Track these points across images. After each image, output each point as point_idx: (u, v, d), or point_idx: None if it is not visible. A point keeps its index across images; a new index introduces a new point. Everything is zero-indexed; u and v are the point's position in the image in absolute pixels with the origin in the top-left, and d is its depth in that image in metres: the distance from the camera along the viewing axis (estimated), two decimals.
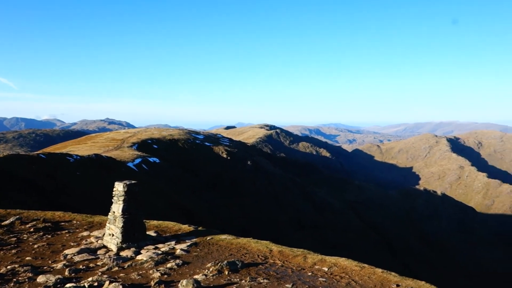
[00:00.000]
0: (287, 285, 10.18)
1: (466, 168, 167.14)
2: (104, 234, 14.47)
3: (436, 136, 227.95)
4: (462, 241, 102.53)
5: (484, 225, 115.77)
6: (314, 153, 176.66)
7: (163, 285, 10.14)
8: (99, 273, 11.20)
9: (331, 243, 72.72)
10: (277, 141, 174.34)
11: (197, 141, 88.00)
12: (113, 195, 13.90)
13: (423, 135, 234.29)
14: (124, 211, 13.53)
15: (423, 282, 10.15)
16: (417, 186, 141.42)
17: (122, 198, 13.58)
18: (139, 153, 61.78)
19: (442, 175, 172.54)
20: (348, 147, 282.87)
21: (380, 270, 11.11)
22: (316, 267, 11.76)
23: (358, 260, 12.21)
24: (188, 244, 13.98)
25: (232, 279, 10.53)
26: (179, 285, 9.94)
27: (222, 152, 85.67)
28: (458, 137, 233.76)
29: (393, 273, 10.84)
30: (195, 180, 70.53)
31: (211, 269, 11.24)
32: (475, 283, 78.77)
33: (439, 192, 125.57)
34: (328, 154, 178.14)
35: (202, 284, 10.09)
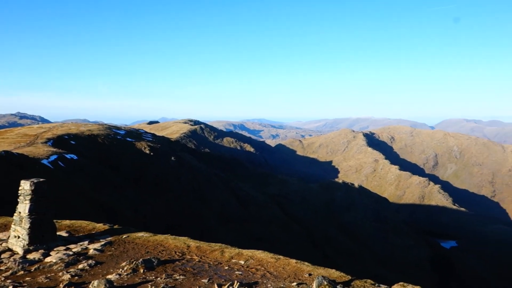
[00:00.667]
0: (203, 280, 10.18)
1: (381, 161, 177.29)
2: (9, 236, 13.55)
3: (354, 131, 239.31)
4: (377, 230, 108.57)
5: (397, 214, 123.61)
6: (239, 148, 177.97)
7: (73, 287, 9.72)
8: (2, 278, 10.47)
9: (256, 236, 73.83)
10: (202, 136, 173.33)
11: (118, 137, 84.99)
12: (19, 194, 13.05)
13: (341, 130, 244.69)
14: (31, 211, 12.73)
15: (333, 270, 10.65)
16: (336, 179, 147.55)
17: (29, 197, 12.77)
18: (54, 149, 58.34)
19: (359, 168, 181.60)
20: (272, 142, 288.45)
21: (294, 261, 11.48)
22: (233, 260, 11.89)
23: (280, 252, 12.51)
24: (102, 243, 13.47)
25: (147, 277, 10.33)
26: (90, 286, 9.57)
27: (145, 148, 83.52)
28: (373, 132, 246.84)
29: (306, 263, 11.26)
30: (117, 177, 68.16)
31: (125, 268, 10.94)
32: (389, 269, 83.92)
33: (356, 184, 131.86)
34: (252, 149, 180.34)
35: (115, 284, 9.78)
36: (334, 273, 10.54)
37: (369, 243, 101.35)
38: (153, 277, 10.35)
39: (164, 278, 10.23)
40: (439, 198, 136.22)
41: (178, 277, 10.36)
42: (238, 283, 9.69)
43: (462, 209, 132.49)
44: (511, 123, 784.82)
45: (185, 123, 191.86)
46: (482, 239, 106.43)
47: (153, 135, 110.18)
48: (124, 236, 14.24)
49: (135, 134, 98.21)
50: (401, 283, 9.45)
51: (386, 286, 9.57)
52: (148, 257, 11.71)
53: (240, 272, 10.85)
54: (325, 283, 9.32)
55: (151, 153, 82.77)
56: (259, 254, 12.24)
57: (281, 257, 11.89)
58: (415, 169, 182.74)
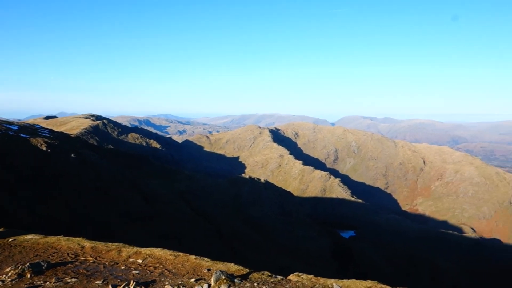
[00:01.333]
0: (97, 282, 9.67)
1: (285, 156, 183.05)
2: None
3: (260, 127, 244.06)
4: (282, 223, 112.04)
5: (301, 207, 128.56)
6: (144, 144, 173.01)
7: None
8: None
9: (163, 234, 72.33)
10: (104, 132, 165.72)
11: (10, 132, 77.97)
12: None
13: (248, 127, 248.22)
14: None
15: (232, 264, 10.76)
16: (243, 175, 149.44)
17: None
18: None
19: (265, 163, 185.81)
20: (179, 138, 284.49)
21: (193, 257, 11.39)
22: (131, 260, 11.46)
23: (188, 249, 12.32)
24: None
25: (34, 282, 9.55)
26: None
27: (41, 145, 77.60)
28: (278, 128, 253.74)
29: (205, 259, 11.23)
30: (10, 176, 62.68)
31: (10, 274, 10.02)
32: (294, 259, 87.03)
33: (262, 179, 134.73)
34: (158, 145, 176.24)
35: None
36: (232, 267, 10.65)
37: (275, 235, 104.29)
38: (41, 282, 9.60)
39: (54, 282, 9.55)
40: (339, 191, 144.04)
41: (69, 280, 9.73)
42: (134, 283, 9.37)
43: (360, 200, 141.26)
44: (402, 120, 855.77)
45: (86, 118, 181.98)
46: (377, 228, 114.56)
47: (51, 130, 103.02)
48: (10, 240, 13.08)
49: (30, 129, 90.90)
50: (297, 273, 9.82)
51: (282, 277, 9.88)
52: (37, 260, 10.86)
53: (137, 271, 10.49)
54: (223, 277, 9.39)
55: (48, 150, 77.27)
56: (158, 251, 11.95)
57: (180, 254, 11.73)
58: (317, 164, 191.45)
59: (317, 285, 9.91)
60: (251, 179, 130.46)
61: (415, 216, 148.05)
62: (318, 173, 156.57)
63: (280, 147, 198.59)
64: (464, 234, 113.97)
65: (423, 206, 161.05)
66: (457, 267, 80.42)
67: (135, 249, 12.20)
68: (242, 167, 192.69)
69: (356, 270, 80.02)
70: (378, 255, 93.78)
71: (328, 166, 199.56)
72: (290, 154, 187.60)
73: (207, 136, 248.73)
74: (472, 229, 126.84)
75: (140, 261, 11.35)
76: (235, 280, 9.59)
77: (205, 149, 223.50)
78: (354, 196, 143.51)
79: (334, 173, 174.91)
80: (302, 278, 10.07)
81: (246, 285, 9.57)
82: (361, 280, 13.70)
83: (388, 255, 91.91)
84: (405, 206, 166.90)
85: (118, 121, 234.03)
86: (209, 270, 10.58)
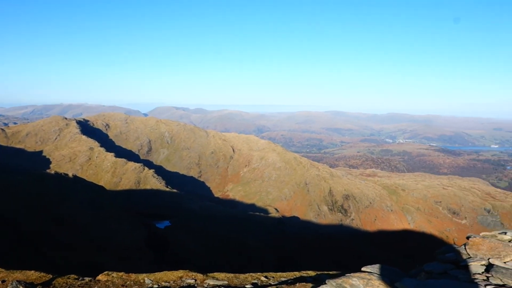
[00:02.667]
0: None
1: (96, 149, 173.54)
2: None
3: (66, 118, 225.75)
4: (95, 218, 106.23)
5: (114, 201, 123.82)
6: None
7: None
8: None
9: None
10: None
11: None
12: None
13: (52, 118, 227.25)
14: None
15: (32, 272, 9.74)
16: (48, 170, 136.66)
17: None
18: None
19: (73, 157, 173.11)
20: None
21: None
22: None
23: None
24: None
25: None
26: None
27: None
28: (87, 119, 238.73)
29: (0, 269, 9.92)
30: None
31: None
32: (108, 255, 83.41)
33: (70, 174, 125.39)
34: None
35: None
36: (33, 275, 9.65)
37: (87, 232, 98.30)
38: None
39: None
40: (154, 182, 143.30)
41: None
42: None
43: (174, 190, 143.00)
44: (213, 111, 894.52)
45: None
46: (192, 216, 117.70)
47: None
48: None
49: None
50: (106, 272, 9.38)
51: (90, 278, 9.35)
52: None
53: None
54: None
55: None
56: None
57: None
58: (130, 156, 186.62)
59: (128, 282, 9.65)
60: (57, 174, 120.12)
61: (227, 201, 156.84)
62: (132, 165, 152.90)
63: (90, 139, 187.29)
64: (269, 215, 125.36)
65: (234, 192, 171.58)
66: (263, 244, 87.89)
67: None
68: (47, 162, 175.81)
69: (173, 258, 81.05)
70: (194, 241, 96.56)
71: (142, 157, 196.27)
72: (101, 146, 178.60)
73: (2, 129, 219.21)
74: (276, 209, 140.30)
75: None
76: None
77: (0, 143, 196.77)
78: (169, 186, 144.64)
79: (148, 164, 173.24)
80: (113, 276, 9.67)
81: None
82: (173, 271, 13.94)
83: (203, 240, 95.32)
84: (217, 193, 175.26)
85: None
86: (3, 281, 9.37)
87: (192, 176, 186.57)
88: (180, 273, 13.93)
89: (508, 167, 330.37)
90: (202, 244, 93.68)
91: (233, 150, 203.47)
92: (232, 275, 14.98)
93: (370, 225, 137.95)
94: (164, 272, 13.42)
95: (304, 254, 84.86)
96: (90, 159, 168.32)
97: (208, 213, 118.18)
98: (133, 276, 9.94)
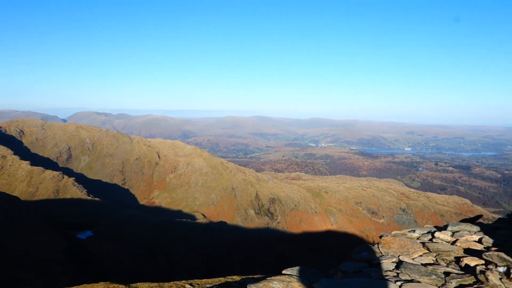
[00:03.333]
0: None
1: (9, 157, 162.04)
2: None
3: None
4: (9, 232, 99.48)
5: (30, 212, 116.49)
6: None
7: None
8: None
9: None
10: None
11: None
12: None
13: None
14: None
15: None
16: None
17: None
18: None
19: None
20: None
21: None
22: None
23: None
24: None
25: None
26: None
27: None
28: None
29: None
30: None
31: None
32: (24, 270, 78.39)
33: None
34: None
35: None
36: None
37: (2, 246, 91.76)
38: None
39: None
40: (74, 191, 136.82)
41: None
42: None
43: (97, 199, 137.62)
44: (137, 116, 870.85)
45: None
46: (116, 225, 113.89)
47: None
48: None
49: None
50: None
51: None
52: None
53: None
54: None
55: None
56: None
57: None
58: (48, 164, 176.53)
59: None
60: None
61: (153, 209, 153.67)
62: (50, 173, 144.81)
63: (2, 146, 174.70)
64: (197, 221, 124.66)
65: (160, 198, 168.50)
66: (191, 251, 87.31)
67: None
68: None
69: (96, 270, 77.96)
70: (118, 251, 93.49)
71: (61, 165, 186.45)
72: (15, 154, 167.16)
73: None
74: (203, 215, 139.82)
75: None
76: None
77: None
78: (91, 195, 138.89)
79: (68, 172, 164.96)
80: None
81: None
82: (93, 284, 13.62)
83: (128, 250, 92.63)
84: (142, 200, 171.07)
85: None
86: None
87: (115, 184, 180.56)
88: (101, 285, 13.74)
89: (420, 168, 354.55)
90: (127, 253, 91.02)
91: (159, 156, 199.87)
92: (156, 284, 14.92)
93: (296, 227, 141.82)
94: (84, 285, 13.14)
95: (232, 259, 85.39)
96: (2, 168, 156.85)
97: (133, 222, 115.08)
98: None
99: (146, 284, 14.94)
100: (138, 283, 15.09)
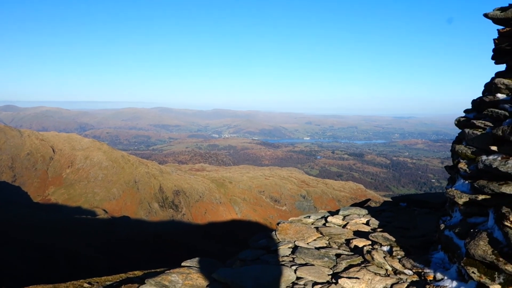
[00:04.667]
0: None
1: None
2: None
3: None
4: None
5: None
6: None
7: None
8: None
9: None
10: None
11: None
12: None
13: None
14: None
15: None
16: None
17: None
18: None
19: None
20: None
21: None
22: None
23: None
24: None
25: None
26: None
27: None
28: None
29: None
30: None
31: None
32: None
33: None
34: None
35: None
36: None
37: None
38: None
39: None
40: None
41: None
42: None
43: None
44: (26, 108, 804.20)
45: None
46: (7, 226, 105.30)
47: None
48: None
49: None
50: None
51: None
52: None
53: None
54: None
55: None
56: None
57: None
58: None
59: None
60: None
61: (49, 206, 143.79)
62: None
63: None
64: (98, 217, 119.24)
65: (56, 195, 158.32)
66: (93, 249, 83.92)
67: None
68: None
69: None
70: (10, 254, 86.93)
71: None
72: None
73: None
74: (104, 210, 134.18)
75: None
76: None
77: None
78: None
79: None
80: None
81: None
82: None
83: (21, 253, 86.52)
84: (37, 198, 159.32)
85: None
86: None
87: (4, 181, 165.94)
88: None
89: (318, 157, 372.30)
90: (19, 257, 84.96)
91: (53, 150, 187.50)
92: (51, 286, 14.49)
93: (201, 218, 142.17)
94: None
95: (136, 254, 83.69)
96: None
97: (27, 221, 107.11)
98: None
99: (40, 287, 14.39)
100: (30, 286, 14.52)
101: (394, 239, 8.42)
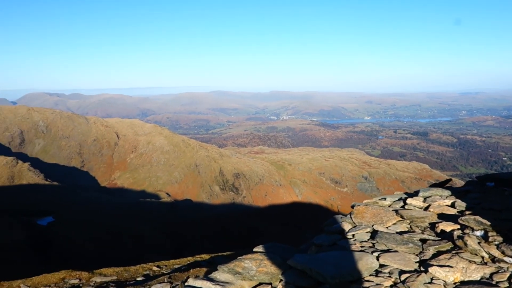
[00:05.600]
0: None
1: None
2: None
3: None
4: None
5: None
6: None
7: None
8: None
9: None
10: None
11: None
12: None
13: None
14: None
15: None
16: None
17: None
18: None
19: None
20: None
21: None
22: None
23: None
24: None
25: None
26: None
27: None
28: None
29: None
30: None
31: None
32: None
33: None
34: None
35: None
36: None
37: None
38: None
39: None
40: (31, 176, 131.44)
41: None
42: None
43: (55, 183, 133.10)
44: (91, 95, 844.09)
45: None
46: (77, 209, 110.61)
47: None
48: None
49: None
50: None
51: None
52: None
53: None
54: None
55: None
56: None
57: None
58: (0, 149, 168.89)
59: None
60: None
61: (115, 190, 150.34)
62: (3, 159, 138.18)
63: None
64: (161, 200, 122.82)
65: (121, 179, 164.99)
66: (158, 231, 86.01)
67: None
68: None
69: (59, 256, 75.47)
70: (81, 236, 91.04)
71: (14, 150, 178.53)
72: None
73: None
74: (167, 194, 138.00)
75: None
76: None
77: None
78: (49, 180, 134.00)
79: (22, 157, 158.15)
80: None
81: None
82: (54, 273, 12.39)
83: (90, 234, 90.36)
84: (103, 182, 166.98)
85: None
86: None
87: (74, 167, 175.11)
88: (62, 274, 12.50)
89: (380, 137, 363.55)
90: (91, 238, 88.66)
91: (118, 136, 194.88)
92: (121, 268, 13.99)
93: (261, 200, 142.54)
94: (44, 275, 11.89)
95: (200, 237, 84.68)
96: None
97: (94, 205, 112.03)
98: (6, 284, 8.40)
99: (111, 269, 13.83)
100: (102, 269, 13.93)
101: (489, 223, 7.60)
